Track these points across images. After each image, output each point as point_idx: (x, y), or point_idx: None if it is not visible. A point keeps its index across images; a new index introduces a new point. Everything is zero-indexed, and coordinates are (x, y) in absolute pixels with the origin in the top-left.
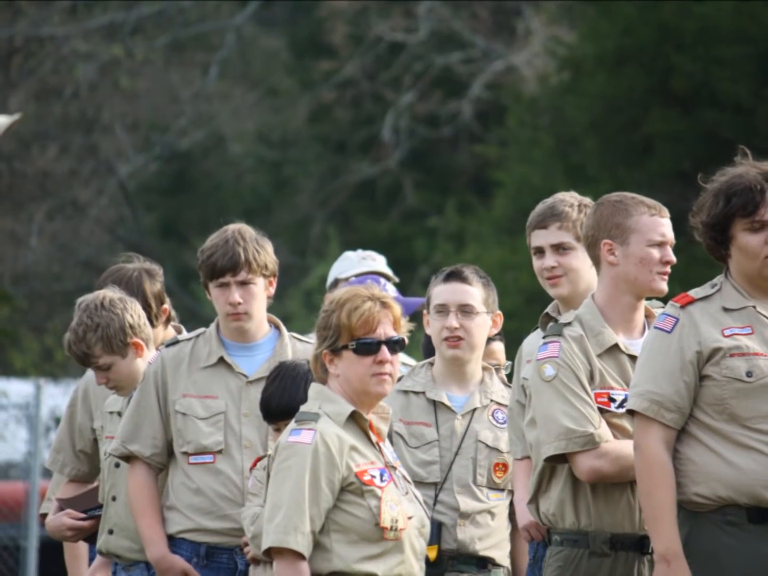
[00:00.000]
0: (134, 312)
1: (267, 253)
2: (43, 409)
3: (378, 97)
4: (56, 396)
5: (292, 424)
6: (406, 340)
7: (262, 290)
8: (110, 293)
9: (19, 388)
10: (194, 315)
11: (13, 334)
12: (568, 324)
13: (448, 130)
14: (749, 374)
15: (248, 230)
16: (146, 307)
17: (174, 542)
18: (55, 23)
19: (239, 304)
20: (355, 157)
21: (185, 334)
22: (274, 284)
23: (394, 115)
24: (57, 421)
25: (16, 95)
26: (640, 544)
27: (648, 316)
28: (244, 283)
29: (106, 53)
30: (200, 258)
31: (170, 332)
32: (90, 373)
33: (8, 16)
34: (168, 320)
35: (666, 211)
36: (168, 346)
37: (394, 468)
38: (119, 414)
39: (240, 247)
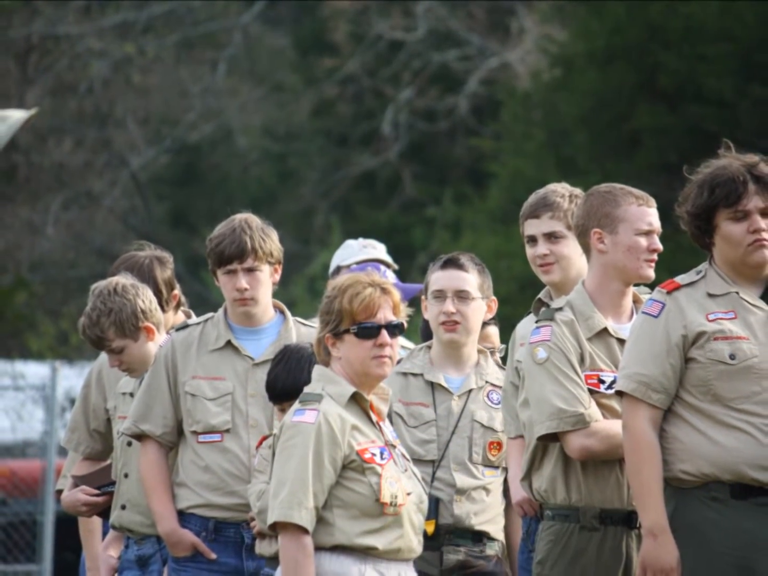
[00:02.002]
0: (146, 297)
1: (272, 242)
2: (59, 390)
3: (378, 92)
4: (71, 378)
5: (297, 404)
6: (405, 325)
7: (267, 277)
8: (123, 280)
9: (35, 370)
10: (203, 300)
11: (30, 318)
12: (560, 309)
13: (445, 124)
14: (732, 357)
15: (254, 219)
16: (157, 293)
17: (184, 517)
18: (70, 22)
19: (246, 290)
20: (356, 150)
21: (194, 319)
22: (279, 271)
23: (394, 109)
24: (72, 401)
25: (32, 91)
26: (629, 519)
27: (636, 301)
28: (250, 270)
29: (119, 51)
30: (209, 246)
31: (180, 317)
32: (104, 356)
33: (25, 15)
34: (178, 305)
35: (653, 202)
36: (178, 330)
37: (394, 446)
38: (131, 395)
39: (246, 236)
